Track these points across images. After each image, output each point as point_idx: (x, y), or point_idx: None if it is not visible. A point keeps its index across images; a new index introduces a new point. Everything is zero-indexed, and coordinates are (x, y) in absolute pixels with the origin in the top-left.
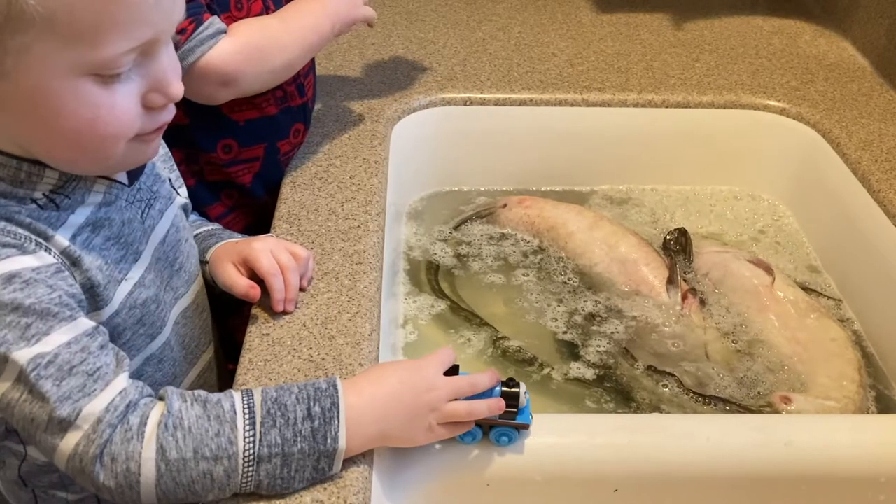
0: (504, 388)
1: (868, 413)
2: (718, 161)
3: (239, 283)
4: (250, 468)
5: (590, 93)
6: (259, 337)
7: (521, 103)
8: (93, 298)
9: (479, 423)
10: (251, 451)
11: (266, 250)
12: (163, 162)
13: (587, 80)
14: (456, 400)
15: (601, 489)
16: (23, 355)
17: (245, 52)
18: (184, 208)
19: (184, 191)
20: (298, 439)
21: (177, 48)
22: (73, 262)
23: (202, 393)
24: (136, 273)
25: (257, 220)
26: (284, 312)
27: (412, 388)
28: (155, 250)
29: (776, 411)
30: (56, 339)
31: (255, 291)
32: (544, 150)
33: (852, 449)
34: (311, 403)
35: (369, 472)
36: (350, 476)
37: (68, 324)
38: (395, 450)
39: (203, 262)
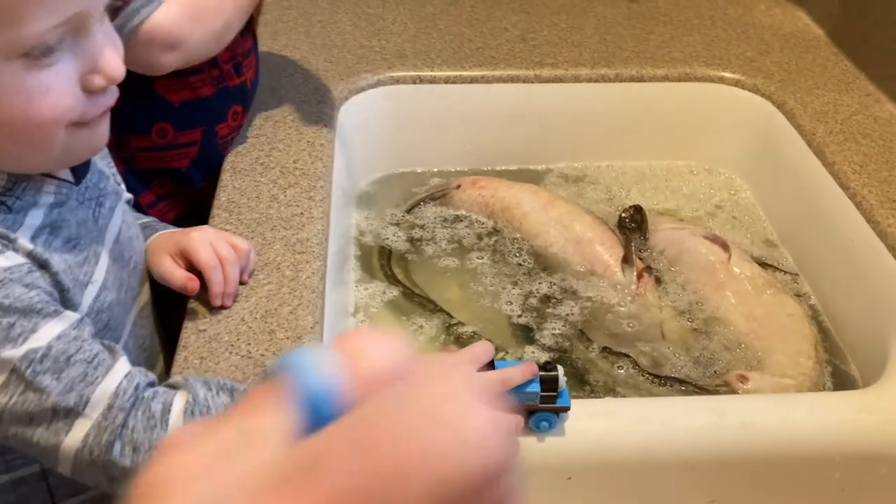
0: (542, 373)
1: (824, 389)
2: (674, 135)
3: (176, 274)
4: None
5: (542, 68)
6: (195, 333)
7: (473, 80)
8: (63, 304)
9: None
10: None
11: (205, 241)
12: (102, 158)
13: (539, 56)
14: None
15: (554, 478)
16: (12, 355)
17: (190, 12)
18: (128, 203)
19: (123, 187)
20: None
21: (121, 10)
22: (41, 265)
23: (225, 381)
24: (99, 275)
25: (191, 208)
26: (222, 307)
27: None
28: (111, 250)
29: (733, 390)
30: (45, 334)
31: (193, 284)
32: (498, 128)
33: (808, 429)
34: None
35: None
36: None
37: (54, 318)
38: None
39: None
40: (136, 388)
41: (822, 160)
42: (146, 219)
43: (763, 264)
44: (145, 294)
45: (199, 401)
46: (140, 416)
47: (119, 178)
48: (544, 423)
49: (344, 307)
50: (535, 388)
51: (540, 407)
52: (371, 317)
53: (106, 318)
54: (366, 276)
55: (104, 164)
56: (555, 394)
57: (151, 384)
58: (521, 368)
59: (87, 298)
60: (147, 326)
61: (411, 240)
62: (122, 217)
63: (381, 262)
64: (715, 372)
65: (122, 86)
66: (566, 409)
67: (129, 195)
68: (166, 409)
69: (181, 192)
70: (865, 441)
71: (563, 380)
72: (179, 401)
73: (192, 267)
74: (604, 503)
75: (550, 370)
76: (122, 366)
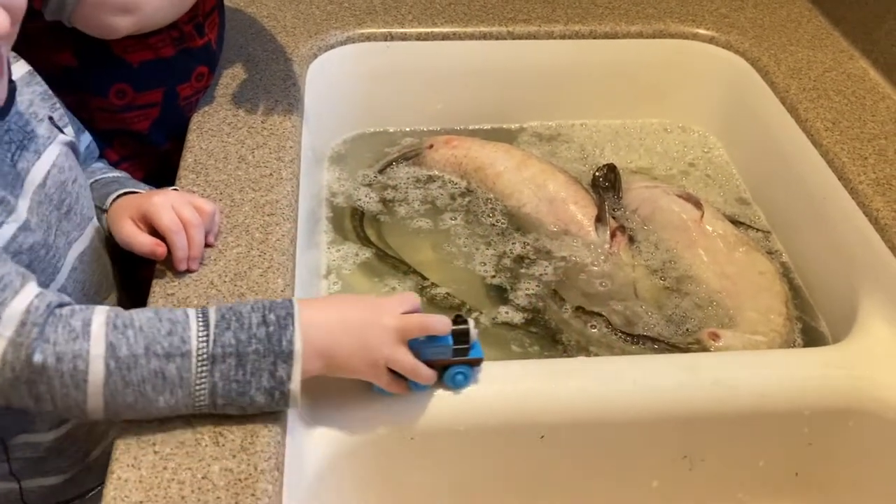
0: (454, 327)
1: (794, 345)
2: (648, 93)
3: (139, 240)
4: (204, 368)
5: (515, 24)
6: (163, 297)
7: (445, 37)
8: None
9: (432, 365)
10: (205, 350)
11: (167, 205)
12: (42, 100)
13: (512, 12)
14: (409, 352)
15: (527, 436)
16: None
17: None
18: (71, 147)
19: (70, 129)
20: (253, 341)
21: None
22: None
23: (151, 306)
24: (17, 217)
25: (156, 169)
26: (189, 270)
27: (361, 311)
28: (35, 193)
29: (705, 348)
30: None
31: (160, 249)
32: (470, 86)
33: (778, 384)
34: (266, 312)
35: (282, 435)
36: (260, 441)
37: None
38: (311, 410)
39: (101, 209)
40: (49, 305)
41: (796, 117)
42: (116, 173)
43: (736, 222)
44: (87, 239)
45: (121, 314)
46: (60, 329)
47: (64, 122)
48: (459, 377)
49: (316, 269)
50: (447, 341)
51: (453, 360)
52: (343, 279)
53: (27, 259)
54: (338, 237)
55: (46, 105)
56: (467, 346)
57: (64, 304)
58: (440, 318)
59: (2, 240)
60: (89, 272)
61: (384, 201)
62: (54, 160)
63: (353, 223)
64: (687, 330)
65: (80, 44)
66: (479, 361)
67: (69, 138)
68: (87, 323)
69: (145, 153)
70: (834, 396)
71: (474, 332)
72: (100, 314)
73: (156, 231)
74: (577, 461)
75: (461, 323)
76: (32, 287)
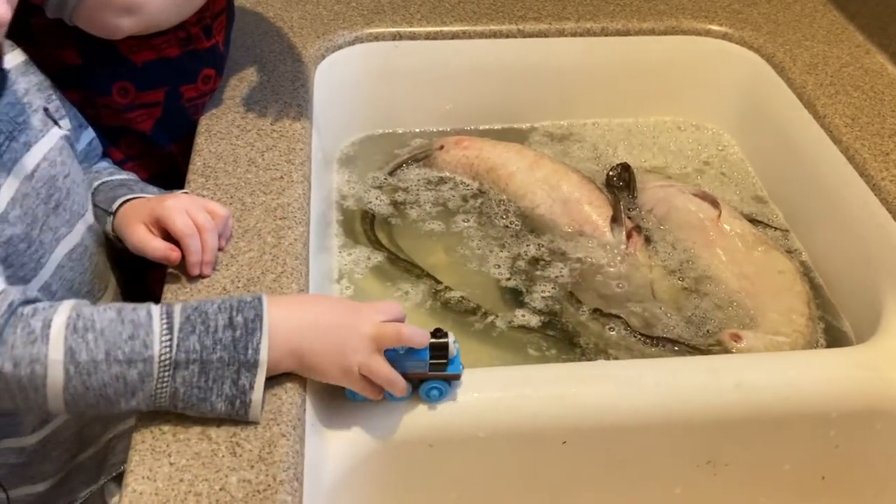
0: (432, 340)
1: (817, 346)
2: (660, 91)
3: (152, 245)
4: (166, 373)
5: (525, 22)
6: None
7: (454, 36)
8: None
9: (408, 378)
10: (167, 356)
11: (180, 209)
12: (38, 90)
13: (522, 10)
14: (385, 361)
15: (549, 442)
16: None
17: None
18: (68, 141)
19: (66, 122)
20: (218, 347)
21: None
22: None
23: (117, 303)
24: None
25: (161, 171)
26: (202, 276)
27: (338, 315)
28: (21, 185)
29: (726, 350)
30: None
31: (174, 254)
32: (481, 86)
33: (802, 386)
34: (234, 313)
35: (300, 444)
36: (279, 451)
37: None
38: (327, 417)
39: (105, 212)
40: (10, 305)
41: (814, 113)
42: (123, 175)
43: (753, 221)
44: (77, 236)
45: (83, 315)
46: (19, 332)
47: (60, 115)
48: (434, 392)
49: (328, 273)
50: (424, 355)
51: (429, 375)
52: (356, 283)
53: (3, 252)
54: (349, 241)
55: (41, 96)
56: (445, 361)
57: (29, 301)
58: (418, 331)
59: None
60: (79, 270)
61: (395, 203)
62: (46, 153)
63: (364, 226)
64: (707, 331)
65: (85, 43)
66: (457, 376)
67: (65, 132)
68: (46, 325)
69: (150, 154)
70: (860, 397)
71: (453, 347)
72: (62, 315)
73: (168, 235)
74: (599, 466)
75: (441, 337)
76: None
